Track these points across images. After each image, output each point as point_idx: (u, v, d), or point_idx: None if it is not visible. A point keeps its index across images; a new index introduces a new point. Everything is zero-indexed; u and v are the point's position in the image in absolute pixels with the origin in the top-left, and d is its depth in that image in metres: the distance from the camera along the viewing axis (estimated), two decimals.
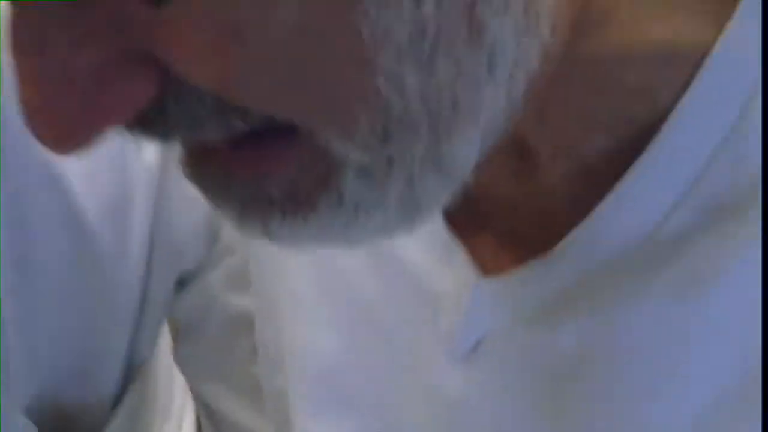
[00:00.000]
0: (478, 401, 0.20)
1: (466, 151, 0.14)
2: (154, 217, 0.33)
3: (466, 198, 0.16)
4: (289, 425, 0.27)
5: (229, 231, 0.32)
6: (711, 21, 0.15)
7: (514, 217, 0.20)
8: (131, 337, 0.34)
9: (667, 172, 0.16)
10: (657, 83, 0.16)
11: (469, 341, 0.20)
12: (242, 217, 0.14)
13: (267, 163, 0.14)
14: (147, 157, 0.33)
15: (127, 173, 0.32)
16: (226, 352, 0.35)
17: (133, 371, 0.35)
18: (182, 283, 0.35)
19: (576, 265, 0.18)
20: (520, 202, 0.19)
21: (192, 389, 0.37)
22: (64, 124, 0.12)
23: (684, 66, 0.16)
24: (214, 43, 0.11)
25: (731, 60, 0.15)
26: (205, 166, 0.14)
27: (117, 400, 0.35)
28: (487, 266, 0.20)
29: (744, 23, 0.15)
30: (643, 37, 0.16)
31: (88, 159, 0.29)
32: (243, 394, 0.36)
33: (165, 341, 0.37)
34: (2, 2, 0.11)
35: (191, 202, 0.33)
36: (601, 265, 0.17)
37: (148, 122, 0.13)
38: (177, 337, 0.37)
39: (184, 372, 0.38)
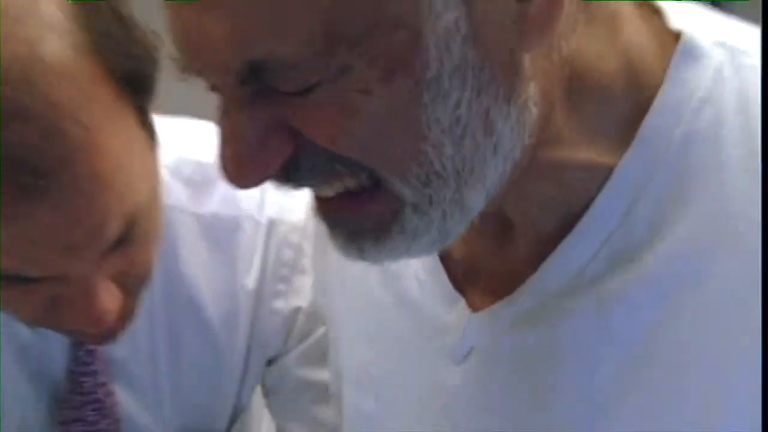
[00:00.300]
0: (472, 390, 0.32)
1: (477, 199, 0.24)
2: (251, 324, 0.51)
3: (465, 263, 0.30)
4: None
5: (301, 325, 0.52)
6: (617, 147, 0.26)
7: (494, 272, 0.32)
8: (237, 393, 0.53)
9: (585, 242, 0.27)
10: (583, 186, 0.27)
11: (465, 350, 0.32)
12: (346, 242, 0.25)
13: (359, 208, 0.24)
14: (249, 286, 0.50)
15: (237, 298, 0.50)
16: (299, 401, 0.54)
17: (237, 413, 0.54)
18: (269, 362, 0.54)
19: (531, 300, 0.29)
20: (498, 262, 0.32)
21: (278, 427, 0.57)
22: (242, 169, 0.22)
23: (599, 175, 0.27)
24: (333, 118, 0.21)
25: (624, 175, 0.26)
26: (324, 210, 0.26)
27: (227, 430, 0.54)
28: (476, 305, 0.32)
29: (636, 151, 0.26)
30: (577, 155, 0.27)
31: (215, 292, 0.49)
32: (314, 427, 0.54)
33: (257, 396, 0.57)
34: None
35: (274, 315, 0.51)
36: (548, 296, 0.28)
37: (289, 175, 0.23)
38: (266, 393, 0.56)
39: (272, 414, 0.58)
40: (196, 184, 0.49)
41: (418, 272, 0.35)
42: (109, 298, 0.37)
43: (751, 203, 0.24)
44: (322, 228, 0.28)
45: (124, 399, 0.48)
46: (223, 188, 0.48)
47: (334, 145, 0.22)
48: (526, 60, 0.23)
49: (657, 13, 0.28)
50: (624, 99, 0.27)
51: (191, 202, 0.49)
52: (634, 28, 0.27)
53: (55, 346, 0.46)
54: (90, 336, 0.41)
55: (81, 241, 0.34)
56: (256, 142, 0.22)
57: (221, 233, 0.49)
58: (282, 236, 0.50)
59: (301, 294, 0.51)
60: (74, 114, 0.32)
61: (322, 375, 0.49)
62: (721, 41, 0.27)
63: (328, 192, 0.25)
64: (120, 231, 0.35)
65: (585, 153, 0.27)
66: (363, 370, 0.39)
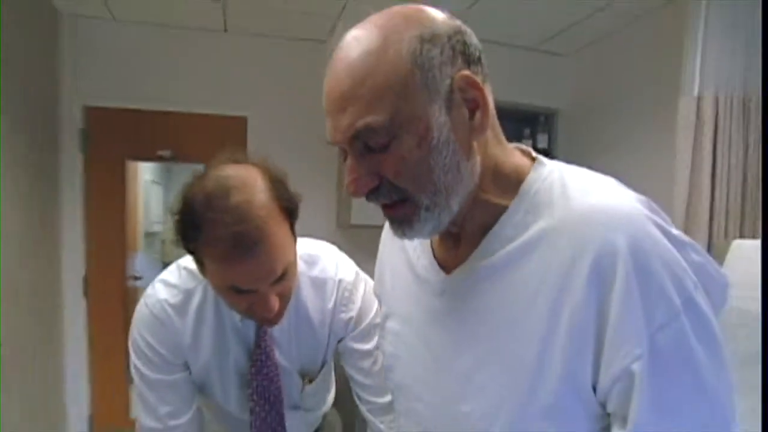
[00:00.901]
0: (445, 309, 0.67)
1: (454, 204, 0.59)
2: (330, 324, 1.07)
3: (440, 254, 0.70)
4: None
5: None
6: (510, 197, 0.62)
7: (453, 258, 0.67)
8: (324, 354, 1.10)
9: (495, 238, 0.62)
10: (495, 213, 0.62)
11: (441, 291, 0.68)
12: (396, 228, 0.62)
13: (399, 211, 0.60)
14: (328, 307, 1.06)
15: (324, 312, 1.06)
16: (352, 358, 1.10)
17: (325, 362, 1.12)
18: (339, 341, 1.10)
19: (470, 268, 0.64)
20: (455, 254, 0.67)
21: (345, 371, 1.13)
22: (354, 188, 0.57)
23: (501, 209, 0.62)
24: (394, 165, 0.56)
25: (514, 207, 0.61)
26: (385, 212, 0.62)
27: (320, 370, 1.12)
28: (447, 272, 0.68)
29: (518, 198, 0.61)
30: (494, 200, 0.62)
31: (315, 309, 1.05)
32: (358, 370, 1.11)
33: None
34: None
35: (340, 320, 1.06)
36: (478, 266, 0.63)
37: (372, 195, 0.58)
38: (341, 354, 1.13)
39: (342, 363, 1.12)
40: (308, 262, 1.04)
41: (420, 258, 0.72)
42: (274, 303, 0.86)
43: (564, 219, 0.57)
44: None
45: (277, 353, 1.02)
46: (320, 265, 1.05)
47: (397, 178, 0.56)
48: (474, 145, 0.58)
49: (526, 152, 0.67)
50: (514, 178, 0.62)
51: (306, 269, 1.03)
52: (518, 155, 0.66)
53: (250, 326, 0.99)
54: (265, 321, 0.93)
55: (265, 276, 0.83)
56: (359, 176, 0.57)
57: (319, 283, 1.04)
58: (343, 286, 1.06)
59: (352, 311, 1.06)
60: (266, 221, 0.81)
61: (362, 346, 1.07)
62: (552, 165, 0.63)
63: (386, 203, 0.60)
64: (280, 273, 0.84)
65: (497, 199, 0.62)
66: (394, 308, 0.78)
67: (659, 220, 0.54)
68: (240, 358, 1.01)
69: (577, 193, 0.57)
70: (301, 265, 1.00)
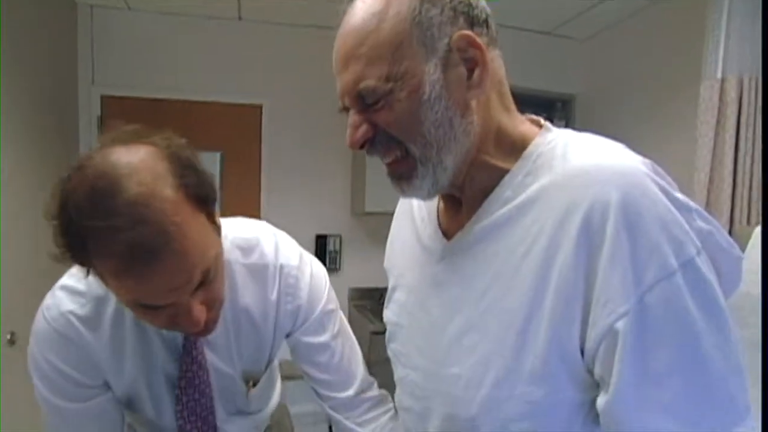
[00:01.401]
0: (444, 275, 0.67)
1: (448, 161, 0.59)
2: (275, 317, 0.91)
3: (444, 221, 0.71)
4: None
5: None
6: (512, 161, 0.62)
7: (455, 225, 0.68)
8: (270, 353, 0.95)
9: (510, 186, 0.61)
10: (496, 176, 0.62)
11: (442, 257, 0.68)
12: (394, 184, 0.63)
13: (399, 167, 0.61)
14: (272, 298, 0.90)
15: (267, 304, 0.90)
16: (305, 353, 0.97)
17: (270, 361, 0.97)
18: (287, 336, 0.95)
19: (470, 233, 0.64)
20: (456, 220, 0.68)
21: (297, 365, 0.99)
22: (353, 139, 0.60)
23: (503, 172, 0.62)
24: (387, 116, 0.58)
25: (515, 170, 0.61)
26: (388, 170, 0.63)
27: (266, 369, 0.97)
28: (448, 238, 0.68)
29: (521, 161, 0.61)
30: (497, 163, 0.62)
31: (256, 302, 0.89)
32: (313, 365, 0.97)
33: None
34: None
35: (286, 311, 0.91)
36: (477, 231, 0.63)
37: (371, 147, 0.61)
38: (291, 350, 0.98)
39: (293, 359, 0.98)
40: (243, 248, 0.88)
41: (427, 227, 0.73)
42: (200, 314, 0.70)
43: (561, 176, 0.56)
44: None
45: (212, 357, 0.87)
46: (258, 250, 0.89)
47: (388, 127, 0.58)
48: (473, 104, 0.59)
49: (536, 121, 0.67)
50: (519, 144, 0.62)
51: (242, 257, 0.88)
52: (527, 124, 0.66)
53: (177, 334, 0.82)
54: (193, 333, 0.77)
55: (180, 286, 0.66)
56: (358, 128, 0.60)
57: (257, 272, 0.89)
58: (287, 272, 0.91)
59: (299, 299, 0.91)
60: (171, 219, 0.62)
61: (315, 339, 0.94)
62: (559, 132, 0.63)
63: (387, 160, 0.62)
64: (201, 278, 0.68)
65: (500, 162, 0.62)
66: (401, 279, 0.78)
67: (662, 182, 0.52)
68: (170, 367, 0.84)
69: (578, 154, 0.57)
70: (234, 253, 0.86)
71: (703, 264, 0.50)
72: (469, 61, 0.58)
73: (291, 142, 3.04)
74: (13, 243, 1.93)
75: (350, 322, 3.40)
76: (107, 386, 0.84)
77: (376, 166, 2.61)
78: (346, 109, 0.61)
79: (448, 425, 0.64)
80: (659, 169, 0.54)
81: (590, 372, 0.53)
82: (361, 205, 2.89)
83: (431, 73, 0.56)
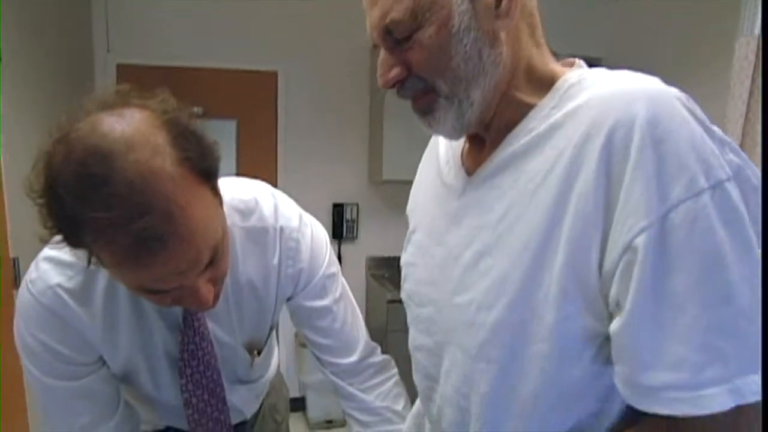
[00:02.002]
0: (463, 209, 0.65)
1: (477, 97, 0.58)
2: (276, 282, 0.87)
3: (467, 160, 0.69)
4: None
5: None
6: (540, 97, 0.59)
7: (477, 162, 0.65)
8: (272, 318, 0.92)
9: (536, 118, 0.58)
10: (524, 111, 0.60)
11: (462, 193, 0.66)
12: (420, 120, 0.62)
13: (422, 102, 0.61)
14: (273, 262, 0.86)
15: (268, 269, 0.86)
16: (305, 317, 0.94)
17: (273, 328, 0.96)
18: (288, 299, 0.92)
19: (498, 157, 0.61)
20: (479, 159, 0.65)
21: (297, 331, 1.09)
22: (384, 78, 0.60)
23: (530, 107, 0.60)
24: (417, 53, 0.57)
25: (542, 104, 0.59)
26: (413, 105, 0.62)
27: (268, 337, 0.97)
28: (471, 174, 0.65)
29: (550, 94, 0.59)
30: (525, 99, 0.60)
31: (256, 266, 0.85)
32: (313, 330, 0.95)
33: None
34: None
35: (287, 276, 0.87)
36: (512, 149, 0.59)
37: (401, 89, 0.60)
38: (291, 315, 0.96)
39: (294, 324, 0.97)
40: (242, 211, 0.83)
41: (451, 168, 0.70)
42: (208, 293, 0.66)
43: (587, 101, 0.54)
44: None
45: (212, 327, 0.83)
46: (257, 212, 0.84)
47: (419, 67, 0.58)
48: (502, 35, 0.57)
49: (569, 62, 0.64)
50: (548, 79, 0.60)
51: (240, 220, 0.82)
52: (559, 64, 0.64)
53: (176, 307, 0.78)
54: (198, 310, 0.77)
55: (188, 269, 0.61)
56: (388, 68, 0.59)
57: (257, 236, 0.84)
58: (287, 234, 0.86)
59: (300, 262, 0.87)
60: (175, 200, 0.56)
61: (317, 303, 0.91)
62: (593, 69, 0.60)
63: (410, 96, 0.61)
64: (210, 257, 0.63)
65: (529, 98, 0.60)
66: (420, 220, 0.76)
67: (696, 111, 0.49)
68: (169, 341, 0.81)
69: (607, 81, 0.54)
70: (232, 216, 0.80)
71: (734, 191, 0.46)
72: None
73: (307, 109, 3.00)
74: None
75: (367, 291, 3.44)
76: (101, 363, 0.79)
77: (394, 134, 2.58)
78: (376, 47, 0.61)
79: (461, 357, 0.62)
80: (693, 102, 0.50)
81: (606, 300, 0.51)
82: (379, 173, 2.86)
83: (459, 3, 0.55)
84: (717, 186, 0.45)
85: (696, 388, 0.45)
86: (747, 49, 1.88)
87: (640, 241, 0.46)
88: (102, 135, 0.55)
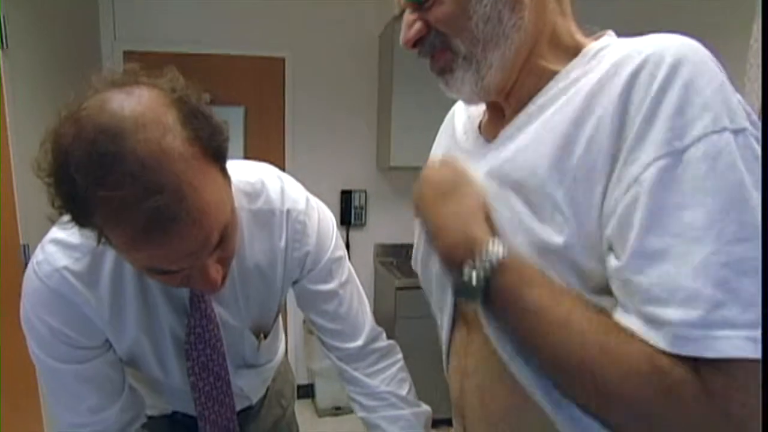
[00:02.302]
0: (481, 171, 0.60)
1: (496, 60, 0.57)
2: (283, 265, 0.86)
3: (485, 128, 0.68)
4: None
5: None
6: (564, 64, 0.57)
7: (496, 128, 0.63)
8: (278, 301, 0.92)
9: (558, 81, 0.56)
10: (546, 79, 0.58)
11: (480, 156, 0.62)
12: (439, 79, 0.61)
13: (439, 60, 0.60)
14: (281, 245, 0.85)
15: (275, 252, 0.85)
16: (311, 301, 0.93)
17: (279, 311, 0.96)
18: (294, 283, 0.91)
19: (518, 117, 0.59)
20: (498, 126, 0.62)
21: (304, 316, 0.97)
22: (407, 36, 0.59)
23: (553, 74, 0.57)
24: (437, 13, 0.57)
25: (566, 70, 0.57)
26: (431, 64, 0.61)
27: (274, 321, 0.98)
28: (490, 137, 0.64)
29: (575, 60, 0.57)
30: (548, 66, 0.58)
31: (263, 249, 0.84)
32: (320, 313, 0.94)
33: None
34: None
35: (294, 259, 0.87)
36: (533, 106, 0.57)
37: (421, 46, 0.60)
38: (296, 298, 0.95)
39: (300, 308, 0.95)
40: (249, 193, 0.82)
41: (469, 137, 0.69)
42: (216, 273, 0.66)
43: (613, 55, 0.51)
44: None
45: (219, 311, 0.83)
46: (264, 195, 0.83)
47: (438, 23, 0.57)
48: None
49: (598, 36, 0.60)
50: (573, 48, 0.59)
51: (247, 203, 0.81)
52: (584, 34, 0.61)
53: (183, 289, 0.78)
54: (205, 291, 0.76)
55: (199, 249, 0.61)
56: (412, 26, 0.58)
57: (264, 218, 0.83)
58: (294, 217, 0.85)
59: (307, 245, 0.87)
60: (186, 180, 0.56)
61: (323, 287, 0.90)
62: (619, 39, 0.57)
63: (428, 53, 0.60)
64: (218, 238, 0.62)
65: (553, 65, 0.58)
66: None
67: (725, 73, 0.47)
68: (176, 324, 0.81)
69: (636, 39, 0.52)
70: (240, 199, 0.79)
71: (757, 145, 0.44)
72: None
73: (315, 95, 2.98)
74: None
75: (376, 278, 3.44)
76: (107, 346, 0.80)
77: (402, 120, 2.55)
78: (401, 14, 0.61)
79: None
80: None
81: (607, 244, 0.48)
82: (387, 160, 2.84)
83: None
84: (740, 131, 0.43)
85: (709, 327, 0.40)
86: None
87: (649, 173, 0.43)
88: (112, 113, 0.54)
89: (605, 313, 0.47)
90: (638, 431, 0.46)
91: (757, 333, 0.39)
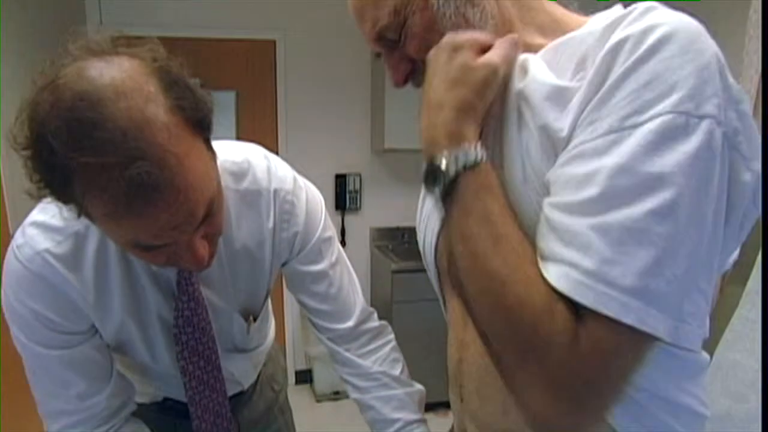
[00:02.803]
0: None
1: None
2: (272, 245, 0.85)
3: None
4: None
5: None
6: (550, 40, 0.56)
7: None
8: (267, 282, 0.89)
9: (559, 48, 0.54)
10: (557, 31, 0.57)
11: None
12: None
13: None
14: (269, 225, 0.83)
15: (263, 232, 0.83)
16: (301, 282, 0.91)
17: (268, 293, 0.94)
18: (283, 264, 0.90)
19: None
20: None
21: (295, 297, 0.95)
22: (395, 76, 0.64)
23: (541, 47, 0.56)
24: (413, 44, 0.60)
25: (586, 28, 0.52)
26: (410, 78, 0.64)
27: (263, 304, 0.94)
28: None
29: (594, 18, 0.55)
30: (533, 41, 0.58)
31: (251, 230, 0.82)
32: (311, 295, 0.92)
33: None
34: None
35: (283, 239, 0.85)
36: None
37: (414, 80, 0.63)
38: (286, 280, 0.93)
39: (290, 290, 0.94)
40: (235, 173, 0.80)
41: None
42: (203, 250, 0.64)
43: (596, 40, 0.49)
44: None
45: (207, 293, 0.81)
46: (250, 174, 0.81)
47: (419, 54, 0.59)
48: None
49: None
50: (556, 24, 0.58)
51: (233, 183, 0.79)
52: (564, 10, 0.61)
53: (169, 270, 0.77)
54: (192, 269, 0.72)
55: (184, 222, 0.58)
56: (395, 67, 0.63)
57: (251, 198, 0.81)
58: (282, 197, 0.83)
59: (296, 225, 0.85)
60: (170, 149, 0.54)
61: (313, 268, 0.89)
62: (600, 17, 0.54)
63: (422, 84, 0.58)
64: (205, 211, 0.61)
65: (537, 40, 0.58)
66: None
67: (720, 56, 0.46)
68: (163, 307, 0.79)
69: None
70: (225, 179, 0.77)
71: (717, 137, 0.43)
72: None
73: (307, 78, 2.93)
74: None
75: (372, 262, 3.42)
76: (93, 330, 0.77)
77: (396, 102, 2.51)
78: (379, 55, 0.65)
79: None
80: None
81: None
82: (381, 142, 2.81)
83: None
84: (703, 118, 0.42)
85: (599, 281, 0.42)
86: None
87: (599, 142, 0.44)
88: (90, 80, 0.52)
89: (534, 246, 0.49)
90: (506, 358, 0.50)
91: (636, 302, 0.41)
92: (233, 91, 2.85)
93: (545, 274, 0.45)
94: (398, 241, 3.10)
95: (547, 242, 0.46)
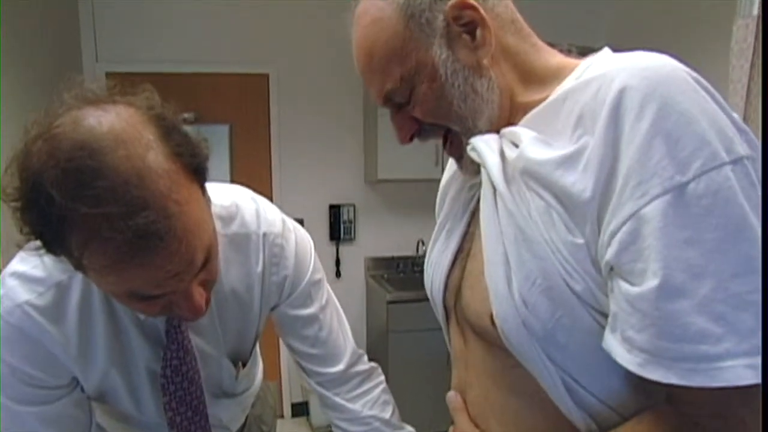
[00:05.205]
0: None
1: (483, 124, 0.60)
2: (261, 290, 0.83)
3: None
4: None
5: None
6: (547, 94, 0.58)
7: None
8: (256, 327, 0.88)
9: (553, 106, 0.55)
10: (548, 84, 0.59)
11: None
12: (458, 165, 0.67)
13: (454, 150, 0.66)
14: (258, 270, 0.82)
15: (252, 277, 0.82)
16: (291, 326, 0.90)
17: (257, 337, 0.92)
18: (272, 309, 0.88)
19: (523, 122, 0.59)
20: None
21: (283, 341, 0.94)
22: (401, 136, 0.66)
23: (560, 74, 0.59)
24: (420, 108, 0.62)
25: (583, 64, 0.59)
26: (447, 152, 0.68)
27: (252, 348, 0.92)
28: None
29: (592, 60, 0.58)
30: (531, 98, 0.60)
31: (240, 275, 0.81)
32: (301, 339, 0.91)
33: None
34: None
35: (272, 284, 0.84)
36: (535, 112, 0.58)
37: (420, 138, 0.66)
38: (276, 324, 0.92)
39: (279, 334, 0.92)
40: (223, 217, 0.78)
41: None
42: (200, 297, 0.62)
43: (595, 74, 0.51)
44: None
45: (196, 341, 0.79)
46: (238, 218, 0.80)
47: (426, 118, 0.63)
48: (485, 62, 0.59)
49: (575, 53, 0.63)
50: (552, 75, 0.60)
51: (221, 227, 0.77)
52: (563, 56, 0.63)
53: (157, 320, 0.74)
54: (187, 318, 0.67)
55: (183, 271, 0.57)
56: (401, 127, 0.65)
57: (239, 242, 0.80)
58: (271, 240, 0.82)
59: (285, 269, 0.84)
60: (171, 197, 0.53)
61: (303, 312, 0.87)
62: (599, 56, 0.59)
63: (439, 141, 0.66)
64: (203, 258, 0.60)
65: (538, 95, 0.59)
66: (444, 217, 0.73)
67: (714, 92, 0.47)
68: (150, 356, 0.76)
69: (617, 57, 0.53)
70: (215, 223, 0.73)
71: (755, 174, 0.45)
72: (468, 25, 0.58)
73: (300, 111, 2.96)
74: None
75: (367, 292, 3.39)
76: (74, 385, 0.74)
77: (389, 133, 2.53)
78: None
79: None
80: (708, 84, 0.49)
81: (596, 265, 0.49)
82: (374, 173, 2.82)
83: (439, 54, 0.58)
84: (738, 161, 0.44)
85: (714, 360, 0.43)
86: (746, 31, 1.84)
87: (651, 208, 0.44)
88: (89, 129, 0.51)
89: None
90: None
91: (756, 360, 0.42)
92: (227, 125, 2.88)
93: (654, 377, 0.45)
94: (393, 270, 3.09)
95: (648, 338, 0.45)
